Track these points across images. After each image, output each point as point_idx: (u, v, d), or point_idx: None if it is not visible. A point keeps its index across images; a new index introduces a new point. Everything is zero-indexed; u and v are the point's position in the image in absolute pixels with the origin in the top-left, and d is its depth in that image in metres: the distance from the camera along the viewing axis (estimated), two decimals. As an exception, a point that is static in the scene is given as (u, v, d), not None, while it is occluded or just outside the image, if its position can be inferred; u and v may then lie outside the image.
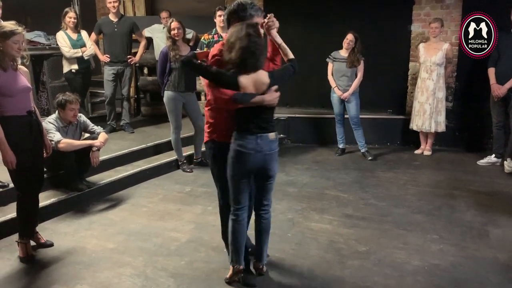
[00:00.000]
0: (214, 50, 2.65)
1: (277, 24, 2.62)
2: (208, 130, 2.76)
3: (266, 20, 2.59)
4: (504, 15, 5.00)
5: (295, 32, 6.65)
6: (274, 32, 2.61)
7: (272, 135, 2.57)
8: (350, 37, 5.37)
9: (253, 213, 2.83)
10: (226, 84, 2.47)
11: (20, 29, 2.91)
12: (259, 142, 2.52)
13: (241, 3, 2.59)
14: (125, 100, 6.04)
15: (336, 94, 5.54)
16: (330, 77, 5.60)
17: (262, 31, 2.58)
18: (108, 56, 5.78)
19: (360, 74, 5.46)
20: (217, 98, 2.53)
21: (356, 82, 5.46)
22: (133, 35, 5.97)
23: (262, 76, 2.49)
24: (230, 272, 2.81)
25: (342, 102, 5.59)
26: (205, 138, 2.82)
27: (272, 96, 2.51)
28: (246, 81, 2.45)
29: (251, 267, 2.89)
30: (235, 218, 2.69)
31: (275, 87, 2.53)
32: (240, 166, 2.57)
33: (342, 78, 5.49)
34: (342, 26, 5.83)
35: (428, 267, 3.02)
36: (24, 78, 3.04)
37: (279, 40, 2.64)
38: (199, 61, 2.64)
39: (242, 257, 2.76)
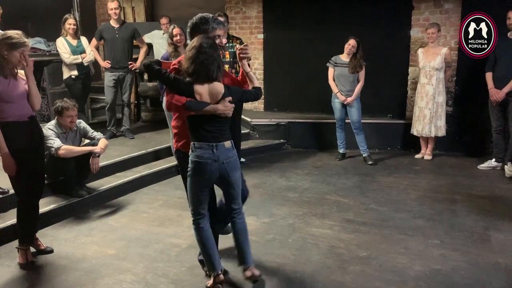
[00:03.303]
0: (175, 61, 2.79)
1: (250, 55, 2.80)
2: (175, 139, 2.83)
3: (239, 48, 2.76)
4: (501, 19, 5.02)
5: (294, 38, 6.69)
6: (244, 61, 2.75)
7: (227, 144, 2.63)
8: (352, 42, 5.36)
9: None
10: (181, 91, 2.51)
11: (27, 41, 2.98)
12: (215, 152, 2.58)
13: (203, 16, 2.73)
14: (126, 106, 6.05)
15: (339, 99, 5.52)
16: (331, 82, 5.58)
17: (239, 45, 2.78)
18: (109, 62, 5.80)
19: (362, 80, 5.46)
20: (170, 104, 2.56)
21: (358, 88, 5.46)
22: (134, 41, 5.99)
23: (218, 87, 2.56)
24: (211, 281, 2.78)
25: (344, 107, 5.58)
26: (174, 147, 2.90)
27: (225, 106, 2.57)
28: (201, 90, 2.52)
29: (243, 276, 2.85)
30: (197, 227, 2.74)
31: (229, 98, 2.58)
32: (199, 176, 2.61)
33: (345, 83, 5.48)
34: (342, 31, 5.85)
35: (429, 272, 3.01)
36: (24, 84, 3.05)
37: (247, 68, 2.76)
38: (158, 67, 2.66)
39: (216, 263, 2.76)
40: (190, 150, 2.63)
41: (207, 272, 2.89)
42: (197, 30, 2.72)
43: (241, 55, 2.76)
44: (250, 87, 2.77)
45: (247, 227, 2.84)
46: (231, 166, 2.65)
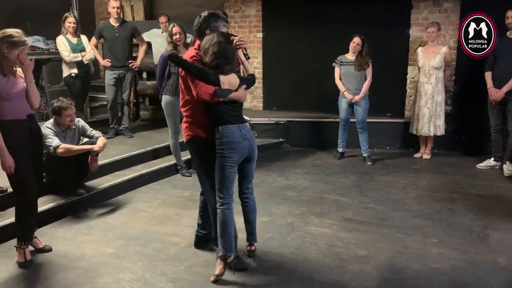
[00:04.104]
0: (190, 53, 2.94)
1: (244, 45, 3.11)
2: (188, 129, 2.98)
3: (236, 39, 2.99)
4: (501, 19, 5.02)
5: (293, 37, 6.68)
6: (240, 51, 3.03)
7: (248, 124, 2.98)
8: (357, 40, 5.33)
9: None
10: (209, 81, 2.77)
11: (27, 40, 2.99)
12: (242, 131, 2.87)
13: (213, 13, 2.95)
14: (125, 104, 6.05)
15: (347, 98, 5.48)
16: (338, 82, 5.55)
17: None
18: (109, 60, 5.79)
19: (369, 77, 5.43)
20: (202, 93, 2.77)
21: (366, 85, 5.43)
22: (134, 40, 5.98)
23: (234, 77, 2.89)
24: (220, 267, 2.88)
25: (351, 106, 5.54)
26: (186, 137, 3.01)
27: (243, 93, 2.92)
28: (224, 79, 2.82)
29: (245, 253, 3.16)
30: (226, 207, 2.89)
31: (244, 85, 2.92)
32: (234, 154, 2.84)
33: (352, 81, 5.45)
34: (341, 30, 5.86)
35: (428, 271, 3.01)
36: (23, 82, 3.05)
37: (243, 57, 3.08)
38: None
39: (234, 245, 2.91)
40: (218, 133, 2.83)
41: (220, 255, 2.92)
42: (208, 26, 2.89)
43: (241, 45, 3.01)
44: (246, 75, 3.07)
45: (256, 205, 3.15)
46: (255, 143, 3.00)
